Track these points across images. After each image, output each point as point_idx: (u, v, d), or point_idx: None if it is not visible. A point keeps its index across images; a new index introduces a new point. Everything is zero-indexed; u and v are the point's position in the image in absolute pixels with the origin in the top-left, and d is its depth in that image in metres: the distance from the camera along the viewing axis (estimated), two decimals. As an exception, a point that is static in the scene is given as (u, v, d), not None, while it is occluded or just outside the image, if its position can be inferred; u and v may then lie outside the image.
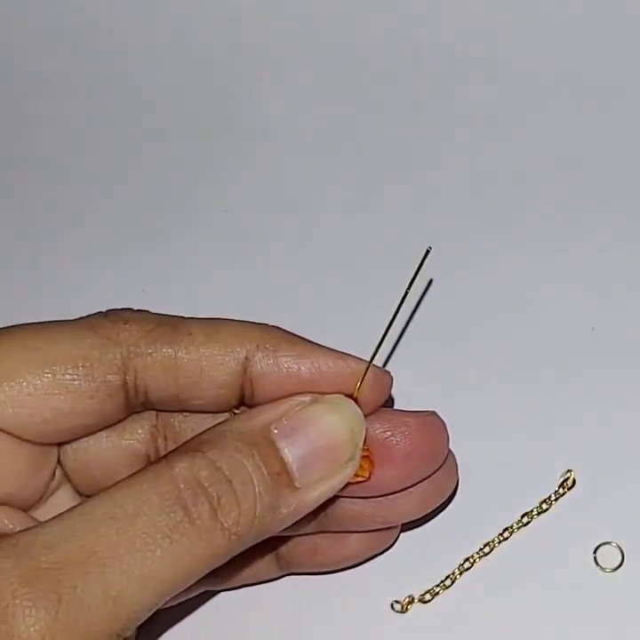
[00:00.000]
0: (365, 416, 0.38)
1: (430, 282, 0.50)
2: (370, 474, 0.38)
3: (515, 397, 0.47)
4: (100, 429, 0.39)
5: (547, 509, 0.44)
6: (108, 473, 0.39)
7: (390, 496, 0.40)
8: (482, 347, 0.49)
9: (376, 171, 0.54)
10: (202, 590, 0.42)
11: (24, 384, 0.36)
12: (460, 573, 0.44)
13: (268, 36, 0.57)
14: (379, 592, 0.43)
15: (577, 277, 0.50)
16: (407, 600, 0.44)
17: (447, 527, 0.44)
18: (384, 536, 0.43)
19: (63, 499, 0.40)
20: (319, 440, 0.36)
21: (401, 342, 0.50)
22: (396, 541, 0.44)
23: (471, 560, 0.44)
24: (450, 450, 0.40)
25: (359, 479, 0.38)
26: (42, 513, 0.39)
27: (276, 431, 0.35)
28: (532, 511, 0.44)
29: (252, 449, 0.34)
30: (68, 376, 0.36)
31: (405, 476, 0.39)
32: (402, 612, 0.43)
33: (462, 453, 0.43)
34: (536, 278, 0.50)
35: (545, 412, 0.46)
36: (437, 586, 0.44)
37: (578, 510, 0.43)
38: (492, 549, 0.44)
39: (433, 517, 0.44)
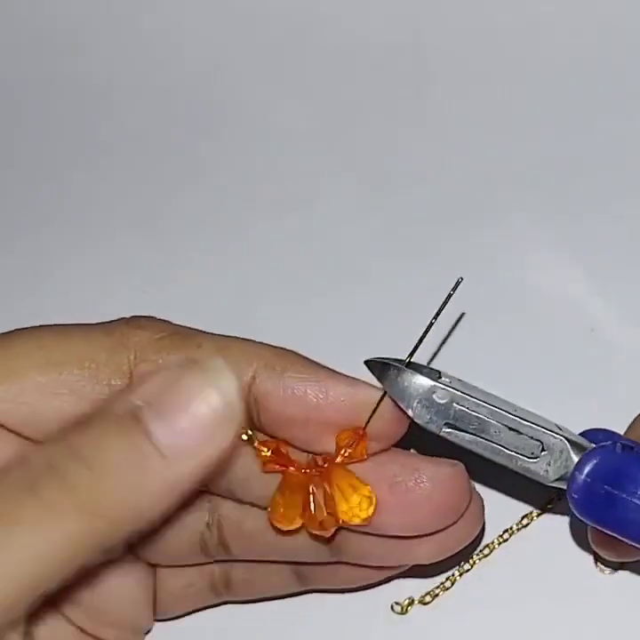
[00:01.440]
0: (376, 453, 0.37)
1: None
2: (370, 517, 0.37)
3: (515, 398, 0.47)
4: None
5: (547, 511, 0.44)
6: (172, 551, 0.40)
7: (404, 539, 0.38)
8: (481, 347, 0.49)
9: (376, 170, 0.54)
10: (221, 601, 0.42)
11: (29, 381, 0.36)
12: (460, 575, 0.44)
13: (269, 35, 0.57)
14: (379, 593, 0.43)
15: (577, 277, 0.50)
16: (407, 602, 0.44)
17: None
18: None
19: None
20: (189, 419, 0.31)
21: (400, 342, 0.49)
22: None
23: (471, 562, 0.44)
24: (476, 493, 0.39)
25: (356, 521, 0.37)
26: None
27: (141, 407, 0.31)
28: (531, 513, 0.44)
29: (119, 428, 0.31)
30: (72, 376, 0.36)
31: (415, 525, 0.38)
32: (402, 614, 0.43)
33: (462, 454, 0.43)
34: (536, 279, 0.50)
35: (545, 413, 0.46)
36: (437, 587, 0.44)
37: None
38: (491, 551, 0.44)
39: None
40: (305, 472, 0.37)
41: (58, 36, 0.59)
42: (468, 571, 0.44)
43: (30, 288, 0.54)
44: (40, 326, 0.38)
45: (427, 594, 0.44)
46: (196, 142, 0.56)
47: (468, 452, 0.37)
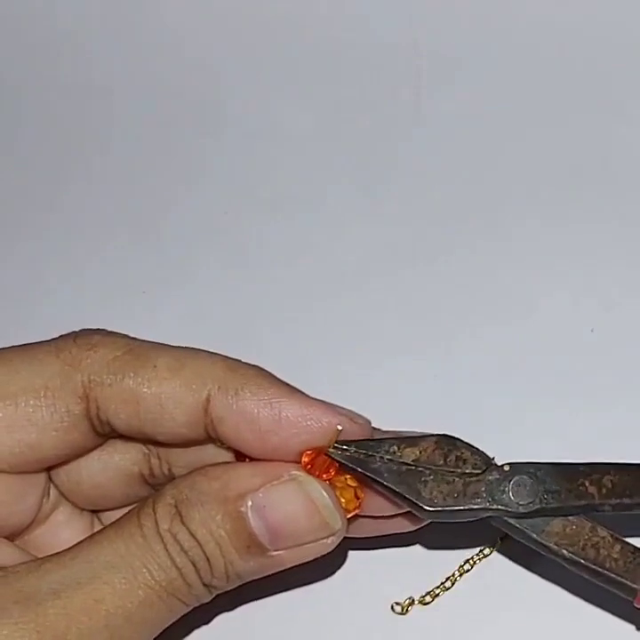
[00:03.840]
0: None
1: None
2: (357, 507, 0.38)
3: (515, 398, 0.47)
4: (79, 456, 0.38)
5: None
6: (103, 492, 0.40)
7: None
8: (481, 348, 0.49)
9: (376, 171, 0.54)
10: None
11: None
12: (460, 575, 0.44)
13: (269, 36, 0.57)
14: (379, 594, 0.43)
15: (577, 278, 0.50)
16: (407, 602, 0.44)
17: (447, 528, 0.44)
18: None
19: (63, 516, 0.40)
20: (288, 524, 0.35)
21: (400, 343, 0.50)
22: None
23: (471, 562, 0.44)
24: None
25: (349, 515, 0.37)
26: (42, 532, 0.39)
27: (249, 504, 0.35)
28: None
29: (225, 521, 0.35)
30: (29, 408, 0.36)
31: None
32: (402, 614, 0.43)
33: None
34: (536, 279, 0.50)
35: (545, 414, 0.46)
36: (437, 588, 0.44)
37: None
38: (491, 551, 0.44)
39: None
40: None
41: (56, 38, 0.59)
42: (468, 571, 0.44)
43: (30, 289, 0.53)
44: None
45: (427, 594, 0.44)
46: (196, 144, 0.56)
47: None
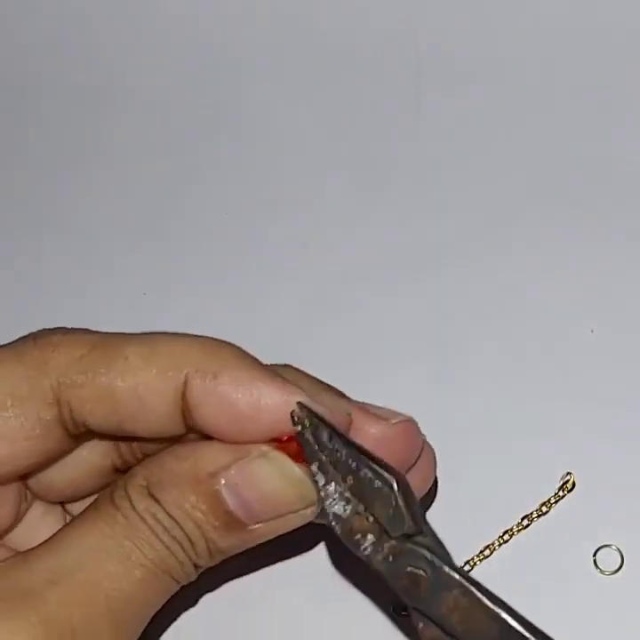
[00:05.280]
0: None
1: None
2: None
3: (515, 399, 0.47)
4: (55, 461, 0.37)
5: (546, 512, 0.44)
6: (75, 486, 0.39)
7: None
8: (481, 348, 0.49)
9: (377, 171, 0.54)
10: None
11: None
12: (461, 576, 0.44)
13: (269, 36, 0.57)
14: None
15: (577, 279, 0.50)
16: (408, 602, 0.44)
17: (447, 529, 0.44)
18: None
19: (37, 512, 0.39)
20: (263, 498, 0.35)
21: (400, 342, 0.50)
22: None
23: (471, 562, 0.44)
24: (428, 445, 0.39)
25: None
26: (18, 531, 0.39)
27: (222, 482, 0.34)
28: (531, 514, 0.44)
29: (200, 501, 0.34)
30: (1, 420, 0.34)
31: None
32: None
33: (462, 456, 0.43)
34: (536, 280, 0.50)
35: (545, 415, 0.46)
36: (438, 588, 0.44)
37: (577, 513, 0.43)
38: (492, 552, 0.44)
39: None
40: None
41: (57, 39, 0.59)
42: (468, 571, 0.44)
43: (30, 290, 0.53)
44: None
45: (427, 594, 0.44)
46: (196, 145, 0.56)
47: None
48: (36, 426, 0.35)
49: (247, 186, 0.55)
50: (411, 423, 0.38)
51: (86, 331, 0.36)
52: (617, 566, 0.43)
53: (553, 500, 0.45)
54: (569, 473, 0.45)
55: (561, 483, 0.45)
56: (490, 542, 0.44)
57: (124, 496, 0.34)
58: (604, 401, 0.46)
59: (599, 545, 0.43)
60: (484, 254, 0.51)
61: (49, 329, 0.36)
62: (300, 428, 0.35)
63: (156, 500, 0.34)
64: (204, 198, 0.55)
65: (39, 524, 0.39)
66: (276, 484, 0.35)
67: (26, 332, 0.51)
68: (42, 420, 0.35)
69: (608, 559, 0.43)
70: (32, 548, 0.34)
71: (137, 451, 0.39)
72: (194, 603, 0.44)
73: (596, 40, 0.54)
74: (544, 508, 0.44)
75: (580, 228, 0.51)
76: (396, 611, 0.43)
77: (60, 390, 0.35)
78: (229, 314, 0.51)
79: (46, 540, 0.34)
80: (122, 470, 0.39)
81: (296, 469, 0.35)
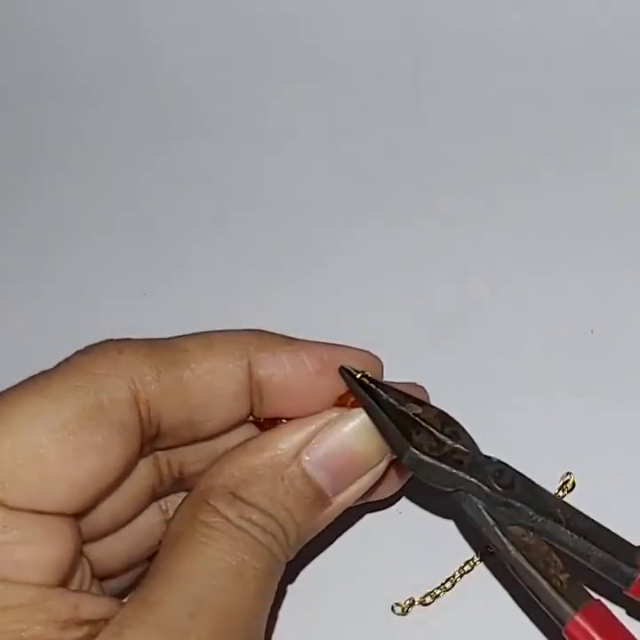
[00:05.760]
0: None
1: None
2: None
3: (514, 399, 0.47)
4: (123, 479, 0.36)
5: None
6: (118, 517, 0.38)
7: None
8: (481, 348, 0.49)
9: (377, 171, 0.54)
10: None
11: (48, 455, 0.32)
12: (461, 576, 0.44)
13: (269, 36, 0.57)
14: (379, 594, 0.43)
15: (577, 279, 0.50)
16: (408, 602, 0.44)
17: (447, 530, 0.45)
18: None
19: None
20: (350, 461, 0.36)
21: (400, 341, 0.50)
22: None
23: (471, 562, 0.44)
24: None
25: None
26: None
27: (307, 459, 0.35)
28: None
29: (289, 487, 0.35)
30: (87, 432, 0.33)
31: None
32: (402, 615, 0.44)
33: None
34: (535, 280, 0.50)
35: (545, 415, 0.46)
36: (438, 588, 0.44)
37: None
38: (492, 552, 0.44)
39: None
40: None
41: (57, 36, 0.59)
42: (468, 571, 0.44)
43: (29, 290, 0.53)
44: (14, 389, 0.34)
45: (427, 594, 0.44)
46: (196, 146, 0.56)
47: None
48: (122, 430, 0.34)
49: (247, 186, 0.55)
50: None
51: (132, 339, 0.36)
52: (617, 566, 0.43)
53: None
54: (569, 473, 0.45)
55: (561, 483, 0.45)
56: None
57: (209, 510, 0.34)
58: (604, 401, 0.46)
59: (599, 545, 0.43)
60: (484, 254, 0.51)
61: (99, 342, 0.36)
62: (350, 382, 0.37)
63: (246, 502, 0.34)
64: (204, 199, 0.55)
65: None
66: (360, 443, 0.36)
67: (27, 331, 0.51)
68: (125, 424, 0.34)
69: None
70: (135, 591, 0.33)
71: (176, 464, 0.38)
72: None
73: (598, 40, 0.54)
74: (544, 508, 0.44)
75: (581, 228, 0.51)
76: (483, 553, 0.44)
77: (137, 390, 0.35)
78: (229, 314, 0.51)
79: (143, 580, 0.33)
80: (157, 495, 0.39)
81: (370, 422, 0.36)
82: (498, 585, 0.43)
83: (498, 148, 0.53)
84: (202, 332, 0.37)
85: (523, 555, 0.37)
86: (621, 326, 0.48)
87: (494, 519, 0.38)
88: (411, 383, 0.40)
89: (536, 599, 0.37)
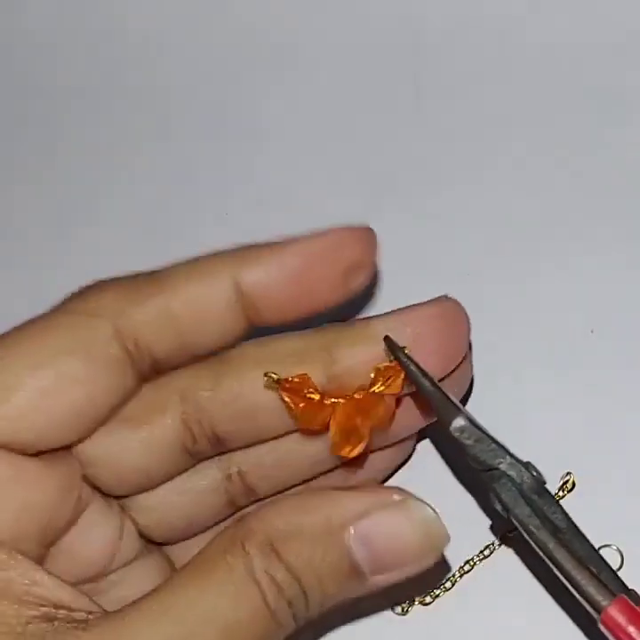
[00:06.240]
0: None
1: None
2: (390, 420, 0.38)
3: (514, 399, 0.47)
4: (123, 404, 0.36)
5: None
6: (190, 519, 0.39)
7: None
8: (481, 348, 0.49)
9: (377, 171, 0.54)
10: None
11: (32, 390, 0.34)
12: (461, 576, 0.44)
13: (269, 36, 0.57)
14: (379, 594, 0.43)
15: (577, 278, 0.50)
16: (407, 602, 0.44)
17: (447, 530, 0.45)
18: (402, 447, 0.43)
19: (95, 515, 0.38)
20: (398, 550, 0.34)
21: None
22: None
23: (471, 562, 0.44)
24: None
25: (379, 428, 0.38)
26: (72, 537, 0.37)
27: (352, 533, 0.33)
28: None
29: (328, 553, 0.33)
30: (68, 366, 0.34)
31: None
32: (402, 615, 0.44)
33: (462, 455, 0.43)
34: (535, 280, 0.50)
35: (545, 415, 0.46)
36: (438, 588, 0.44)
37: (577, 513, 0.43)
38: (492, 551, 0.44)
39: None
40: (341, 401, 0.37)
41: (57, 38, 0.59)
42: (468, 571, 0.44)
43: (29, 288, 0.53)
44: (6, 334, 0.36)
45: (427, 594, 0.44)
46: (195, 145, 0.56)
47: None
48: (107, 363, 0.35)
49: (247, 186, 0.55)
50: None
51: (114, 278, 0.37)
52: (617, 566, 0.43)
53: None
54: (569, 473, 0.45)
55: (561, 483, 0.45)
56: (490, 542, 0.44)
57: (240, 554, 0.33)
58: (604, 401, 0.46)
59: (599, 545, 0.43)
60: (484, 254, 0.51)
61: (72, 292, 0.37)
62: (396, 350, 0.37)
63: (280, 557, 0.33)
64: (204, 199, 0.55)
65: (95, 529, 0.38)
66: (410, 536, 0.34)
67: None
68: (110, 357, 0.35)
69: (608, 559, 0.43)
70: (126, 607, 0.32)
71: (206, 426, 0.38)
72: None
73: (598, 40, 0.54)
74: (544, 508, 0.44)
75: (581, 228, 0.51)
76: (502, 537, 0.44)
77: (119, 323, 0.35)
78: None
79: (142, 599, 0.33)
80: (200, 455, 0.39)
81: (435, 518, 0.34)
82: (498, 585, 0.44)
83: (498, 149, 0.53)
84: (187, 259, 0.37)
85: (558, 538, 0.37)
86: (621, 326, 0.48)
87: (528, 504, 0.37)
88: (441, 297, 0.40)
89: (570, 585, 0.36)
